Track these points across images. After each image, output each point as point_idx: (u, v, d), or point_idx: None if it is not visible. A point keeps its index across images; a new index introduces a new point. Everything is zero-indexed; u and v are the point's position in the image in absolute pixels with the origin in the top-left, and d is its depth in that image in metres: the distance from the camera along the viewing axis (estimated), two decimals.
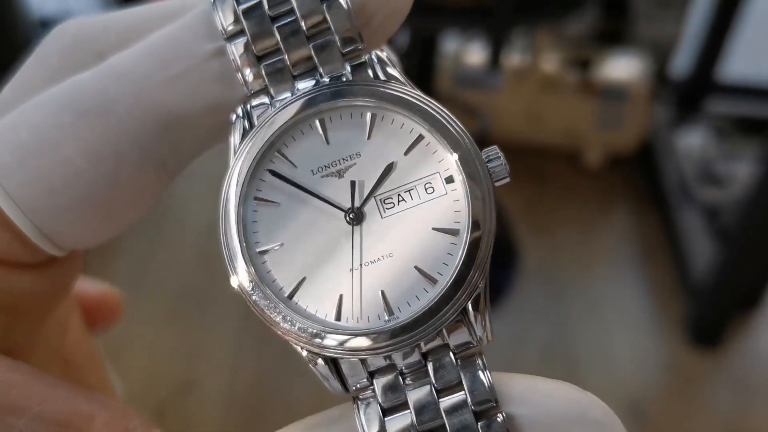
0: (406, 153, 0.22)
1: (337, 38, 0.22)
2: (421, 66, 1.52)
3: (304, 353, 0.21)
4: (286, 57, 0.22)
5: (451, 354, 0.21)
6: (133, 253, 1.71)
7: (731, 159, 1.91)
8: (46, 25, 1.95)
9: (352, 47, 0.22)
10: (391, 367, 0.21)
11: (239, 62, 0.21)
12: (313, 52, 0.22)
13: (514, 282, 1.73)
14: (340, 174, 0.21)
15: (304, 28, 0.21)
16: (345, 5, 0.21)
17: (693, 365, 1.59)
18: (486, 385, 0.20)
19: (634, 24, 1.98)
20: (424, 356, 0.21)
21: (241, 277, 0.21)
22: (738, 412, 1.51)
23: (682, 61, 2.09)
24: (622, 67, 1.96)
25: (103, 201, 0.21)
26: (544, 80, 1.94)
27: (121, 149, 0.21)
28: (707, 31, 1.99)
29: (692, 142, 1.97)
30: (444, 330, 0.21)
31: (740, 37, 2.00)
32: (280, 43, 0.21)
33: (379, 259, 0.21)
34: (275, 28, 0.21)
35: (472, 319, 0.21)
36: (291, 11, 0.21)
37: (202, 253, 1.73)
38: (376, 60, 0.22)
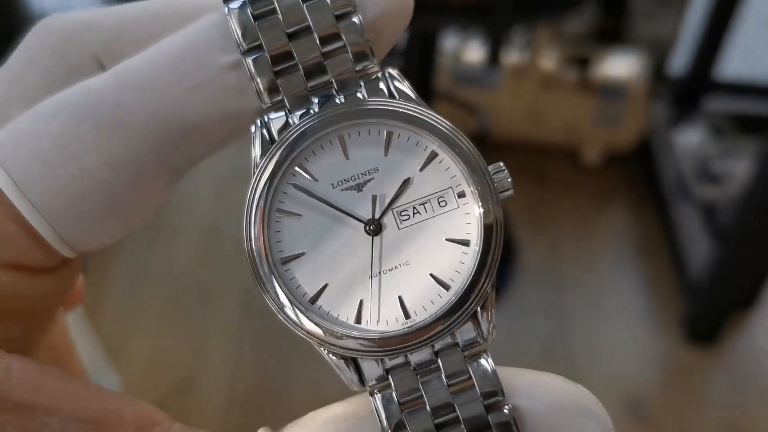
0: (421, 169, 0.23)
1: (351, 55, 0.23)
2: (420, 64, 1.52)
3: (325, 351, 0.23)
4: (303, 73, 0.23)
5: (460, 351, 0.22)
6: (134, 251, 1.71)
7: (729, 157, 1.92)
8: None
9: (364, 64, 0.23)
10: (405, 364, 0.22)
11: (256, 76, 0.22)
12: (328, 68, 0.23)
13: (514, 279, 1.73)
14: (359, 188, 0.23)
15: (320, 44, 0.23)
16: (358, 22, 0.22)
17: (690, 362, 1.60)
18: (493, 379, 0.22)
19: (632, 22, 1.99)
20: (436, 354, 0.22)
21: (266, 284, 0.23)
22: (734, 408, 1.52)
23: (680, 59, 2.09)
24: (620, 65, 1.96)
25: (121, 207, 0.22)
26: (543, 78, 1.94)
27: (140, 158, 0.22)
28: (705, 29, 2.00)
29: (690, 139, 1.97)
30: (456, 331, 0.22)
31: (738, 36, 2.00)
32: (297, 59, 0.23)
33: (396, 267, 0.23)
34: (292, 45, 0.23)
35: (480, 318, 0.23)
36: (307, 28, 0.22)
37: (203, 250, 1.74)
38: (388, 76, 0.23)
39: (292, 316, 0.22)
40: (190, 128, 0.22)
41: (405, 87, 0.23)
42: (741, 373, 1.59)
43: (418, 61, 1.52)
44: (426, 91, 1.57)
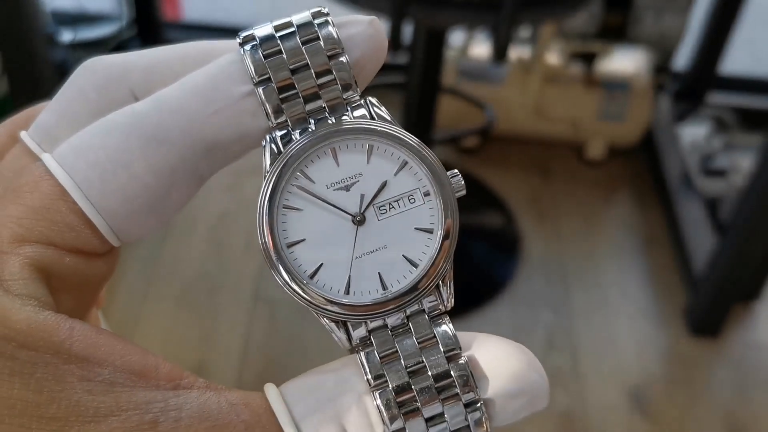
0: (395, 174, 0.29)
1: (339, 86, 0.28)
2: (426, 59, 1.54)
3: (321, 317, 0.28)
4: (302, 100, 0.28)
5: (425, 315, 0.28)
6: (146, 242, 1.73)
7: (733, 151, 1.93)
8: (58, 19, 1.98)
9: (350, 93, 0.29)
10: (384, 327, 0.28)
11: (266, 102, 0.28)
12: (322, 96, 0.29)
13: (518, 271, 1.75)
14: (347, 188, 0.29)
15: (315, 78, 0.28)
16: (345, 61, 0.28)
17: (693, 355, 1.61)
18: (452, 338, 0.27)
19: (637, 18, 2.00)
20: (407, 318, 0.28)
21: (275, 265, 0.28)
22: (737, 400, 1.53)
23: (684, 54, 2.10)
24: (625, 60, 1.97)
25: (159, 206, 0.27)
26: (548, 73, 1.96)
27: (175, 167, 0.27)
28: (710, 25, 2.01)
29: (694, 134, 1.98)
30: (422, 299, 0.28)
31: (742, 31, 2.01)
32: (298, 89, 0.28)
33: (376, 250, 0.28)
34: (293, 78, 0.28)
35: (441, 289, 0.28)
36: (306, 65, 0.28)
37: (213, 242, 1.76)
38: (369, 103, 0.29)
39: (296, 288, 0.28)
40: (214, 143, 0.27)
41: (383, 111, 0.29)
42: (744, 365, 1.60)
43: (423, 56, 1.53)
44: (432, 87, 1.59)
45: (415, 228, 0.29)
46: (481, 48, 1.98)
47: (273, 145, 0.28)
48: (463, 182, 0.29)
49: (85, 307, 0.29)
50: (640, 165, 2.07)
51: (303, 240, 0.28)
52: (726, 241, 1.55)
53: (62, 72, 1.60)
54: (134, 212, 0.27)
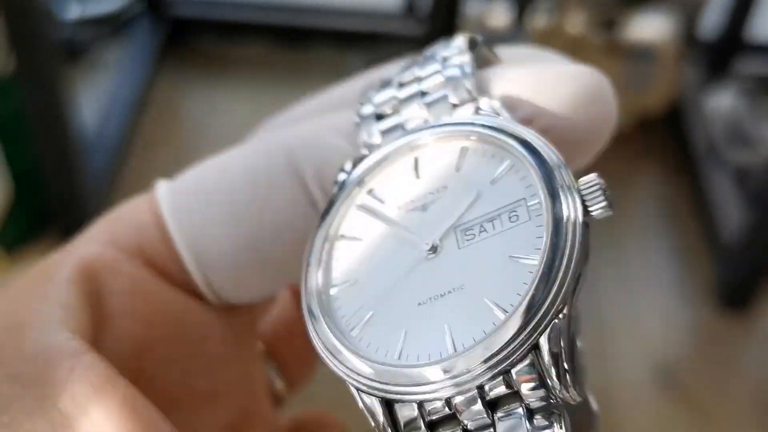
0: (492, 182, 0.21)
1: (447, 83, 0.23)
2: (443, 29, 1.50)
3: (353, 389, 0.20)
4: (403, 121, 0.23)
5: (522, 407, 0.18)
6: None
7: (762, 120, 1.89)
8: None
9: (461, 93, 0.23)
10: (453, 420, 0.18)
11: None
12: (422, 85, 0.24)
13: None
14: (424, 208, 0.21)
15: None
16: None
17: (722, 328, 1.59)
18: None
19: None
20: (492, 407, 0.18)
21: (312, 313, 0.21)
22: (767, 377, 1.51)
23: (711, 20, 2.05)
24: (649, 28, 1.93)
25: (261, 263, 0.24)
26: (570, 42, 1.91)
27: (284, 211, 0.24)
28: None
29: (722, 103, 1.94)
30: (513, 374, 0.18)
31: None
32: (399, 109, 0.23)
33: (449, 292, 0.19)
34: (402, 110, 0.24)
35: (546, 360, 0.18)
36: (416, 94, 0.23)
37: None
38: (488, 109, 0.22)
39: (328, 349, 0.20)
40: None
41: (497, 107, 0.22)
42: None
43: (442, 26, 1.50)
44: None
45: (511, 256, 0.20)
46: (500, 17, 1.95)
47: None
48: (605, 197, 0.20)
49: (204, 377, 0.25)
50: (666, 136, 2.03)
51: (355, 282, 0.20)
52: (757, 212, 1.52)
53: (70, 50, 1.55)
54: (230, 262, 0.24)
